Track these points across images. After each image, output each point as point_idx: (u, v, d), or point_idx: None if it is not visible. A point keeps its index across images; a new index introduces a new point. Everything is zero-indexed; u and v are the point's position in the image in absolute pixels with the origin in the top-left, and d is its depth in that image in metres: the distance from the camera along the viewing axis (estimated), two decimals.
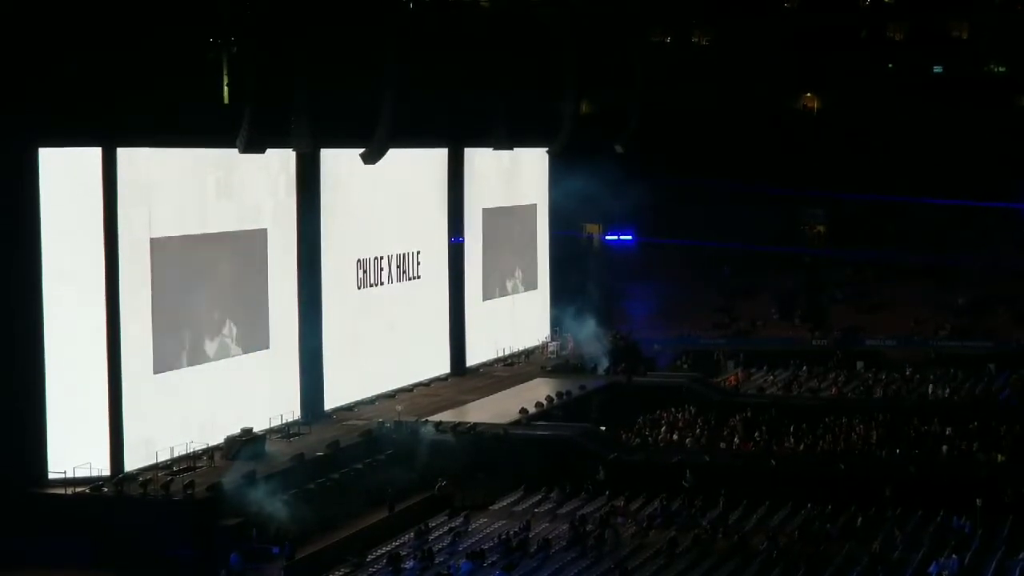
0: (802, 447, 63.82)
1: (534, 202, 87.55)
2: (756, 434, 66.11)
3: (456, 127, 75.78)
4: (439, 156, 76.88)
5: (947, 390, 76.56)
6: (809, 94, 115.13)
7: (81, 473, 51.16)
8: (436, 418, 64.00)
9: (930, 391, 75.92)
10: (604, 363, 78.92)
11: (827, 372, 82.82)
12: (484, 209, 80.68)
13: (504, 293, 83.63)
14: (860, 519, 54.48)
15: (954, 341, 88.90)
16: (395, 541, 52.52)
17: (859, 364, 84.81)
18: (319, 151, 64.31)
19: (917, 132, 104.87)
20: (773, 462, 60.84)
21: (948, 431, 65.75)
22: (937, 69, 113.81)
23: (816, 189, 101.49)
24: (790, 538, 52.21)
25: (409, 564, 49.27)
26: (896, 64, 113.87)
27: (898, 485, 56.89)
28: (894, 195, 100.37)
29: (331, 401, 65.74)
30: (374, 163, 66.20)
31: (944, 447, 63.26)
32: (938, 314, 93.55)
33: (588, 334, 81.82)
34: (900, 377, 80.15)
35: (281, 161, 62.75)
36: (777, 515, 56.25)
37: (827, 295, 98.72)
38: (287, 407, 62.20)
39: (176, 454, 54.52)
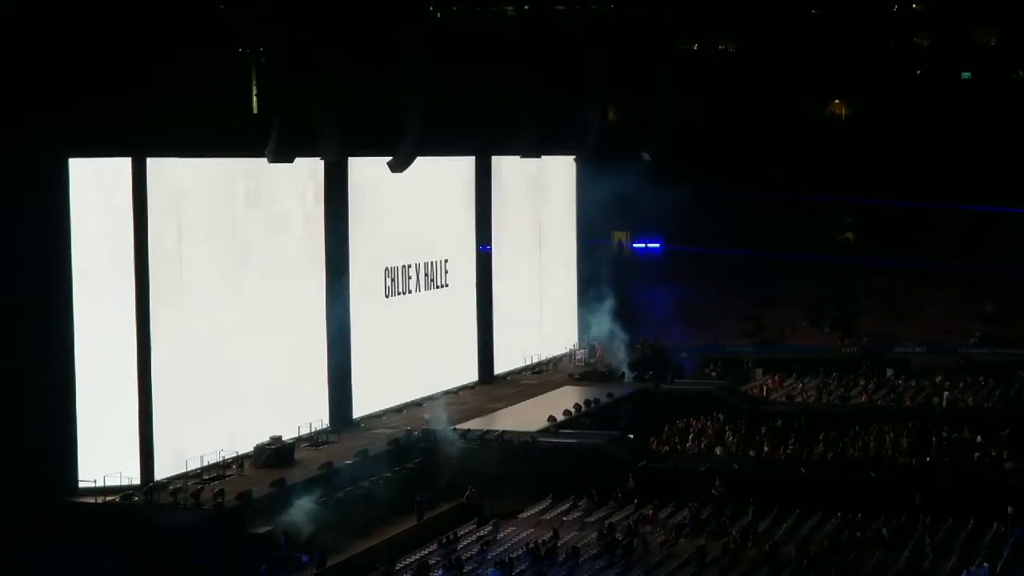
0: (831, 455, 63.59)
1: (562, 210, 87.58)
2: (786, 442, 65.91)
3: (484, 135, 75.85)
4: (467, 164, 76.98)
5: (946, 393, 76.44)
6: (837, 101, 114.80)
7: (112, 482, 51.37)
8: (464, 426, 64.03)
9: (945, 399, 75.40)
10: (629, 372, 78.89)
11: (857, 379, 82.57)
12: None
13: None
14: (890, 527, 54.25)
15: (984, 348, 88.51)
16: (424, 550, 52.54)
17: (889, 371, 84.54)
18: (347, 160, 64.50)
19: (945, 139, 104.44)
20: (803, 470, 60.64)
21: (979, 439, 65.46)
22: (965, 75, 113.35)
23: (845, 196, 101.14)
24: (820, 546, 52.00)
25: (438, 573, 49.31)
26: (924, 71, 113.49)
27: (928, 493, 56.61)
28: (923, 202, 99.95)
29: (359, 409, 65.84)
30: (402, 171, 66.35)
31: (975, 455, 62.99)
32: (968, 321, 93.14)
33: (615, 342, 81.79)
34: (930, 384, 79.83)
35: (309, 170, 62.96)
36: (807, 523, 56.04)
37: (856, 302, 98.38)
38: (315, 415, 62.33)
39: (206, 463, 54.72)
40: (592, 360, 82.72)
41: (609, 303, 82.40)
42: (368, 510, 54.77)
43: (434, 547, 52.77)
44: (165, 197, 54.65)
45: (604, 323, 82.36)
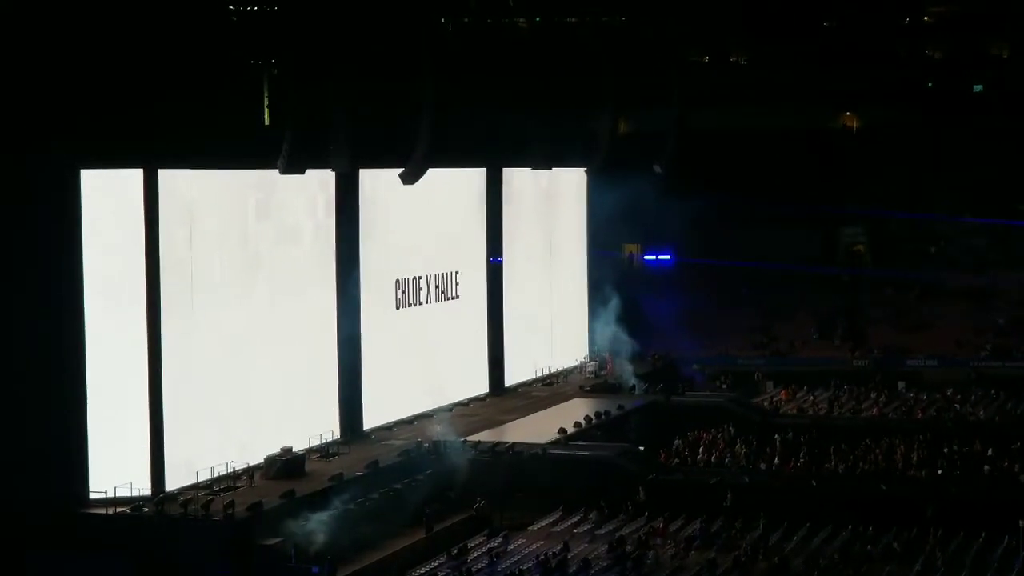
0: (842, 468, 63.50)
1: (572, 222, 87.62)
2: (797, 455, 65.81)
3: (495, 147, 75.91)
4: (477, 176, 77.07)
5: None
6: (848, 113, 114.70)
7: (122, 493, 51.42)
8: (475, 438, 64.01)
9: (958, 410, 75.43)
10: (639, 384, 78.85)
11: (868, 392, 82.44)
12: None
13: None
14: (901, 541, 54.12)
15: (995, 361, 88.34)
16: (434, 562, 52.52)
17: (900, 384, 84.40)
18: (358, 172, 64.58)
19: (957, 151, 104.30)
20: (814, 483, 60.56)
21: (990, 452, 65.32)
22: (977, 88, 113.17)
23: (856, 208, 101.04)
24: (831, 560, 51.92)
25: None
26: (936, 83, 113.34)
27: (940, 506, 56.51)
28: (934, 214, 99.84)
29: (370, 421, 65.86)
30: (413, 183, 66.39)
31: (986, 467, 62.86)
32: (979, 334, 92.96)
33: (626, 354, 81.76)
34: (941, 397, 79.70)
35: (320, 182, 63.04)
36: (818, 536, 55.95)
37: (867, 315, 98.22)
38: (326, 427, 62.34)
39: (216, 474, 54.75)
40: (603, 372, 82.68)
41: (619, 315, 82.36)
42: (378, 522, 54.73)
43: (443, 559, 52.72)
44: (177, 208, 54.75)
45: (614, 335, 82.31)
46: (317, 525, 51.42)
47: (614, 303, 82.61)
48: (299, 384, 61.27)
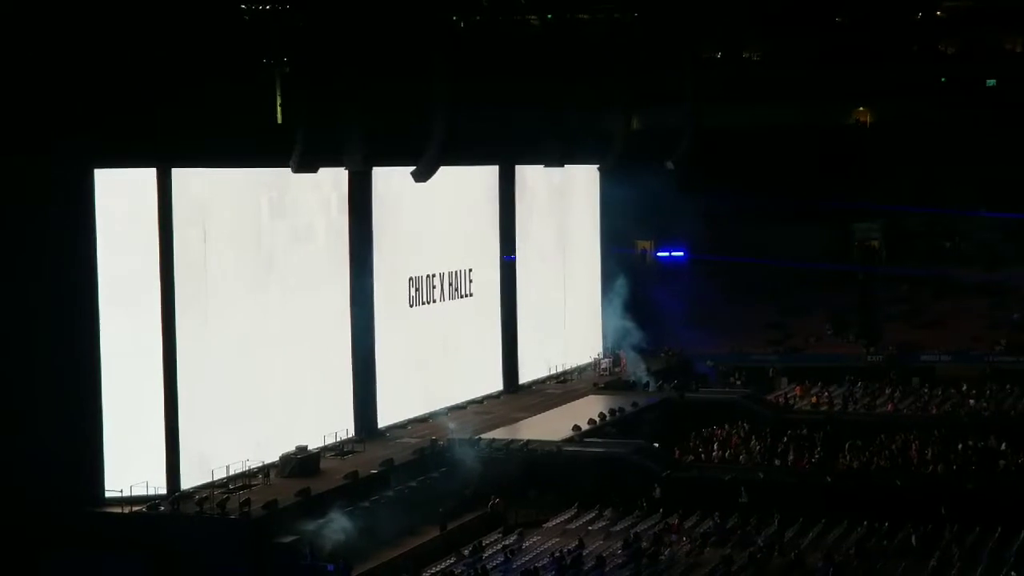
0: (857, 463, 63.40)
1: (586, 218, 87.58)
2: (811, 451, 65.71)
3: (507, 144, 75.89)
4: (490, 173, 77.03)
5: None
6: (862, 108, 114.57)
7: (138, 491, 51.55)
8: (489, 435, 64.02)
9: (972, 405, 75.32)
10: (652, 381, 78.81)
11: (882, 388, 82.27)
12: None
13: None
14: (917, 536, 54.02)
15: (1010, 356, 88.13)
16: (449, 559, 52.50)
17: (914, 380, 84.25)
18: (371, 169, 64.61)
19: (970, 146, 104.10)
20: (828, 479, 60.46)
21: (1004, 446, 65.20)
22: (990, 82, 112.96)
23: (870, 204, 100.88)
24: (846, 556, 51.84)
25: None
26: (949, 78, 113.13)
27: (955, 501, 56.40)
28: (949, 209, 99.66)
29: (384, 419, 65.90)
30: (425, 181, 66.41)
31: (1001, 462, 62.73)
32: (993, 329, 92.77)
33: (639, 351, 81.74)
34: (956, 393, 79.55)
35: (333, 180, 63.09)
36: (833, 532, 55.86)
37: (882, 311, 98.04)
38: (341, 425, 62.41)
39: (232, 472, 54.82)
40: (617, 369, 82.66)
41: (626, 302, 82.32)
42: (393, 520, 54.77)
43: (458, 557, 52.69)
44: (190, 207, 54.83)
45: (629, 332, 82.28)
46: (332, 523, 51.44)
47: (621, 289, 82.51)
48: (313, 382, 61.34)
